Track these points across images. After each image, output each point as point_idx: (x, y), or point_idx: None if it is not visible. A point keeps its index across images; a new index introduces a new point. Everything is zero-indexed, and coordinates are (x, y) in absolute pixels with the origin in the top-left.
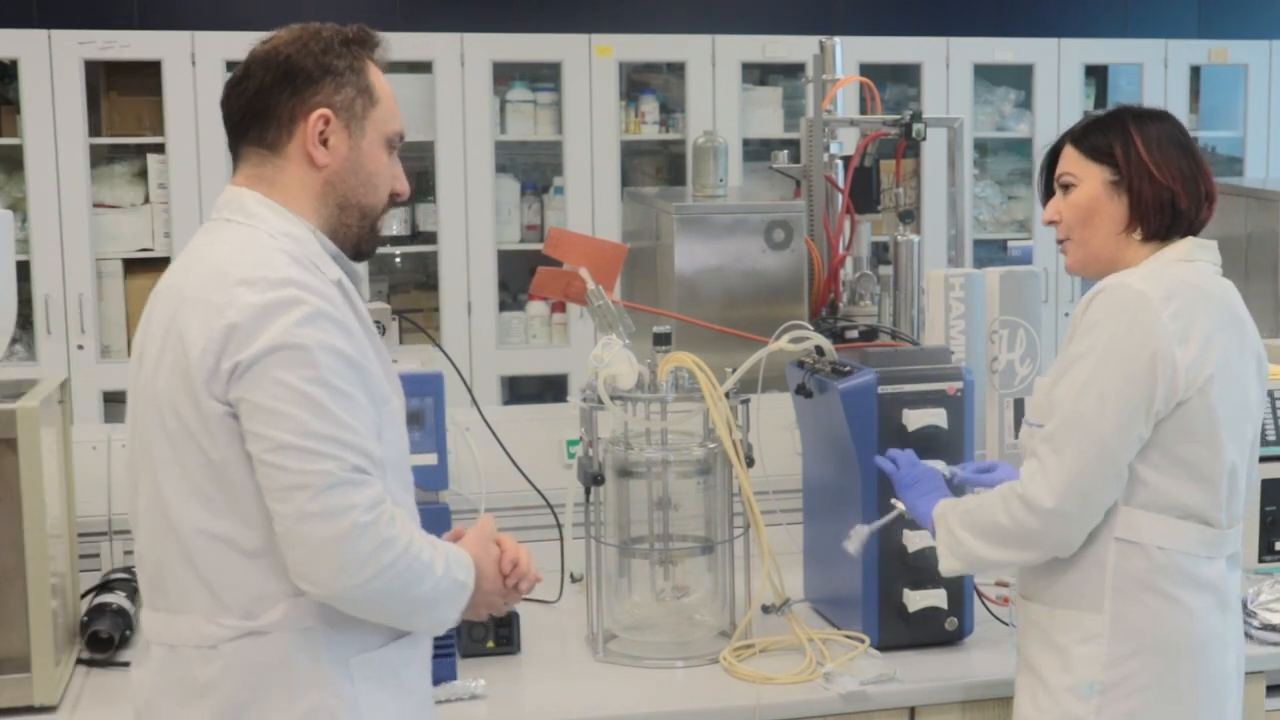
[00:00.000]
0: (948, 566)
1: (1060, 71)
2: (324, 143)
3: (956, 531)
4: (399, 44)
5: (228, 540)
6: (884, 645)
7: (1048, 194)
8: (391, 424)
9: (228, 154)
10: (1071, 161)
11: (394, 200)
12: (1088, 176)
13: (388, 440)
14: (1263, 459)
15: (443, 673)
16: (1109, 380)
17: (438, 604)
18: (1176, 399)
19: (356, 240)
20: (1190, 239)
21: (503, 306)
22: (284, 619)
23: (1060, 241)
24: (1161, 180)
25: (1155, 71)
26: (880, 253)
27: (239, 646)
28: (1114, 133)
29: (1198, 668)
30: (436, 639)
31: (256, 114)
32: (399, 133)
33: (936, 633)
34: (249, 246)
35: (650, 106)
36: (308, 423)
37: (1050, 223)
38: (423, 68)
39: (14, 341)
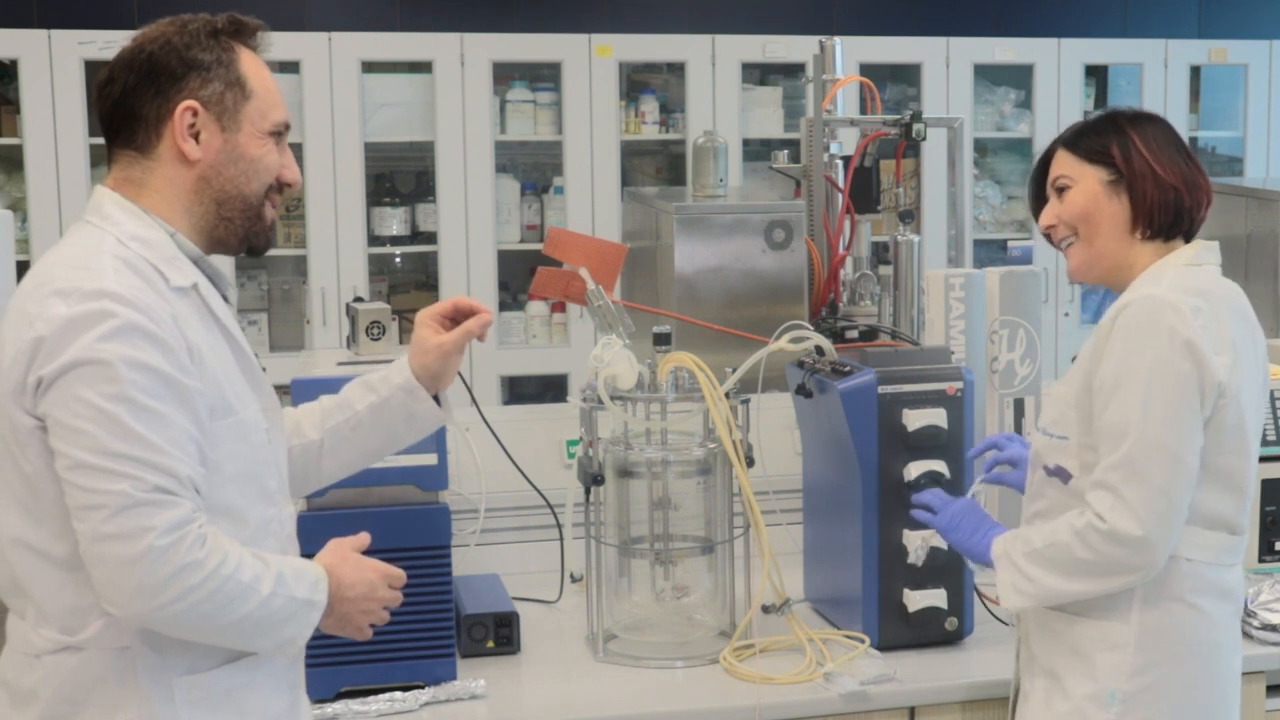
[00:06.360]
0: (1014, 605)
1: (1060, 71)
2: (194, 137)
3: (1025, 569)
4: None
5: (43, 552)
6: (884, 645)
7: (1040, 201)
8: (237, 436)
9: None
10: (1066, 164)
11: (283, 189)
12: (1084, 177)
13: (229, 454)
14: (1263, 459)
15: (443, 673)
16: (1166, 398)
17: (276, 625)
18: (1215, 408)
19: (244, 234)
20: (1198, 243)
21: (503, 306)
22: (99, 635)
23: (1062, 246)
24: (1166, 179)
25: (1155, 71)
26: (880, 253)
27: (58, 660)
28: (1109, 134)
29: (1214, 673)
30: (434, 638)
31: (124, 117)
32: (283, 122)
33: (936, 633)
34: (83, 253)
35: (650, 106)
36: (105, 441)
37: (1047, 228)
38: (423, 68)
39: None
